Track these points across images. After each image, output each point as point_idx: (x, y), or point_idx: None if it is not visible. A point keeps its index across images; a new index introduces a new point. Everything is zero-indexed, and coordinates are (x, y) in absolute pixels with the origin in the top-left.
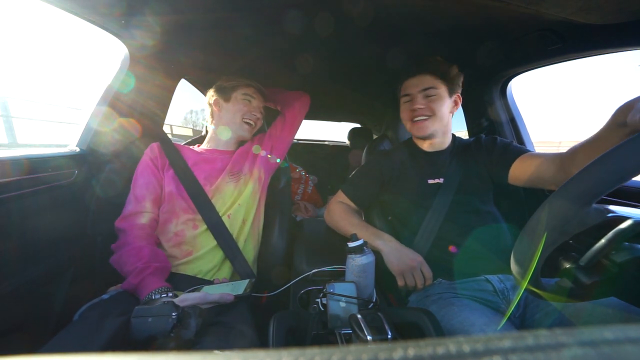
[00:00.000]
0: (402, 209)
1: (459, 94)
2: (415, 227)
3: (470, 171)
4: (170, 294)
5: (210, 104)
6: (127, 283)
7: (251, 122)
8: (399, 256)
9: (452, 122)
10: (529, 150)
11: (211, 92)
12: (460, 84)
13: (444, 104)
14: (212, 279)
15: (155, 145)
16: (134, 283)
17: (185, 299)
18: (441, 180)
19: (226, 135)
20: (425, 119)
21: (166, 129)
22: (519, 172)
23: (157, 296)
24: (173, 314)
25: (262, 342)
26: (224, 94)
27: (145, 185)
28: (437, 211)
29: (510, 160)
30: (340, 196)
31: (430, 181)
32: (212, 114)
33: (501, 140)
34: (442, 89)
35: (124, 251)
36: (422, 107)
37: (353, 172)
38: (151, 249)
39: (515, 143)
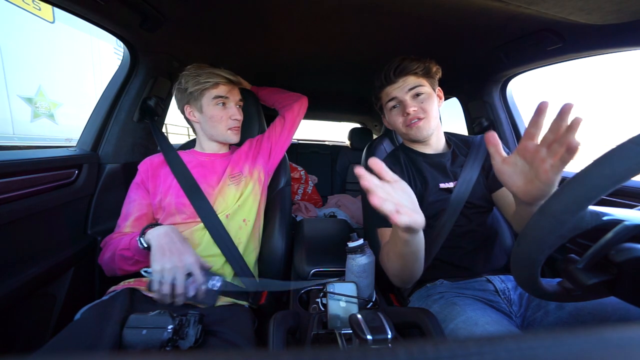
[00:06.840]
0: None
1: (440, 88)
2: (429, 235)
3: (473, 172)
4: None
5: (186, 118)
6: (125, 252)
7: (237, 126)
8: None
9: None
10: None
11: (182, 102)
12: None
13: (434, 102)
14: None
15: (148, 160)
16: (129, 255)
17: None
18: (452, 185)
19: (216, 144)
20: (420, 120)
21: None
22: (499, 201)
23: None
24: (169, 326)
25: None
26: (194, 102)
27: (131, 204)
28: (450, 215)
29: (497, 188)
30: (384, 235)
31: (442, 185)
32: (192, 125)
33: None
34: (427, 86)
35: (106, 258)
36: (415, 109)
37: (366, 200)
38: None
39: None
